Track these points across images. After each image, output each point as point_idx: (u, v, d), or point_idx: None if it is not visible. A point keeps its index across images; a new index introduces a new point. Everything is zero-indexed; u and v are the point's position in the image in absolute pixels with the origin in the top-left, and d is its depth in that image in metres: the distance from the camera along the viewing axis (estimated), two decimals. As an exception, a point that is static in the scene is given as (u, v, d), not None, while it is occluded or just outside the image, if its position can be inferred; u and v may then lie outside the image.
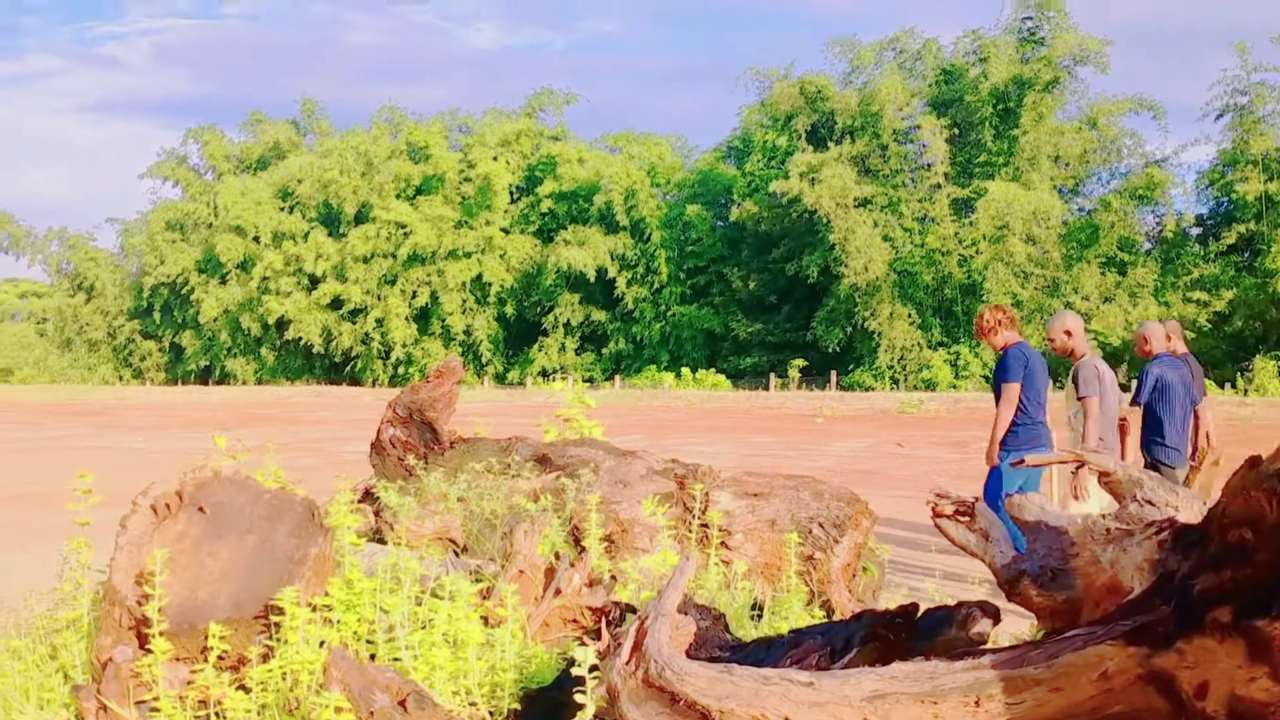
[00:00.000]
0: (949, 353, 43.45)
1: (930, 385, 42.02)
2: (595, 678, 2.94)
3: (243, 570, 4.11)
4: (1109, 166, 46.28)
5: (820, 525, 5.43)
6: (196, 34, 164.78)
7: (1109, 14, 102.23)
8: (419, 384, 6.87)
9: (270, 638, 3.98)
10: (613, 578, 4.54)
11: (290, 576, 4.07)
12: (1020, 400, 7.29)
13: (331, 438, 25.43)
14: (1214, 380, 38.59)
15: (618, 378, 48.25)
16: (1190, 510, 2.65)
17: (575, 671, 2.91)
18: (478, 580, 4.64)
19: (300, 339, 56.77)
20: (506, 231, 54.95)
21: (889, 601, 6.09)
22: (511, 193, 55.44)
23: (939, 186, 44.00)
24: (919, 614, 3.48)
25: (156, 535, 4.14)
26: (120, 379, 66.03)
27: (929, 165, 44.72)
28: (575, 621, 4.47)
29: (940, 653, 3.58)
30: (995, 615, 3.51)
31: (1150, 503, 2.70)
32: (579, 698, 2.89)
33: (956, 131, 44.50)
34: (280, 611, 3.92)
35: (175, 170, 64.71)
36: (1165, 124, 62.44)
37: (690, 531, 5.67)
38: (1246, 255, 41.81)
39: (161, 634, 3.82)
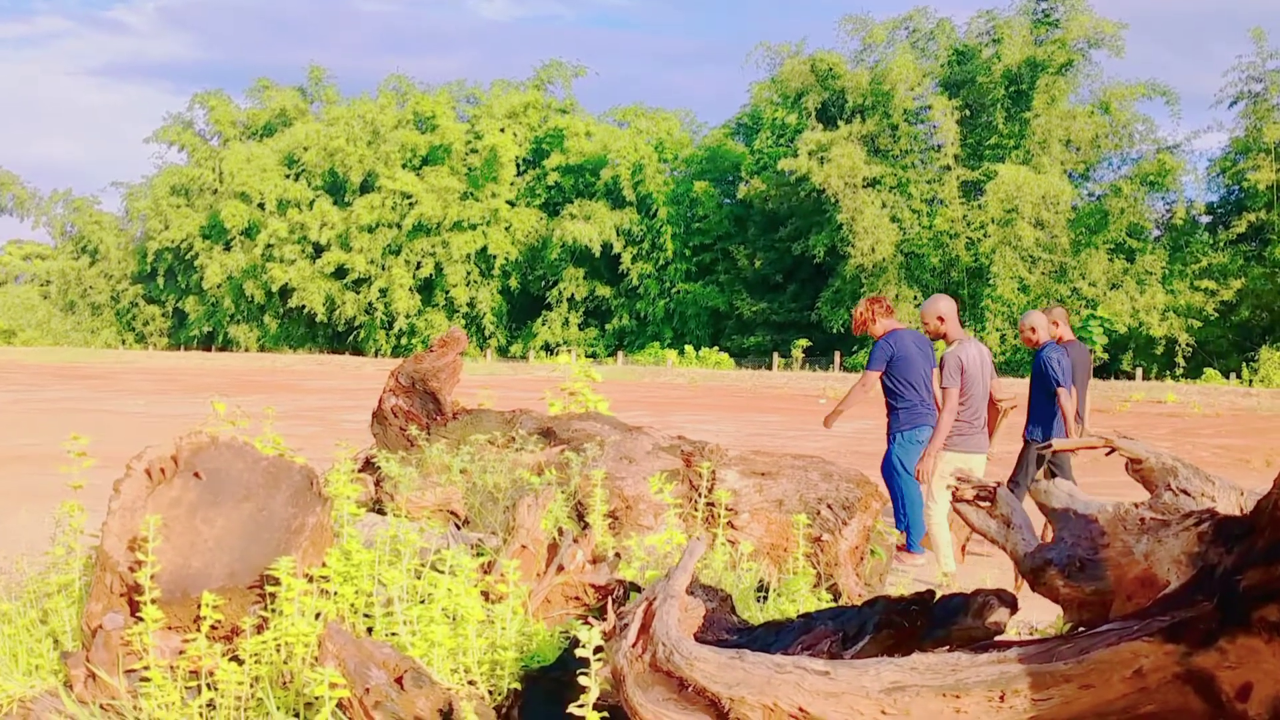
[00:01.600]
0: (954, 336, 43.27)
1: (934, 368, 41.86)
2: (600, 659, 2.83)
3: (238, 538, 4.00)
4: (1120, 152, 45.99)
5: (829, 507, 5.32)
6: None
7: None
8: (422, 353, 6.75)
9: (265, 608, 3.87)
10: (617, 555, 4.43)
11: (287, 546, 3.96)
12: (902, 383, 7.73)
13: (332, 406, 25.35)
14: (1219, 370, 38.44)
15: (620, 354, 48.13)
16: (1228, 501, 2.53)
17: (580, 652, 2.80)
18: (479, 554, 4.53)
19: (304, 307, 56.65)
20: (512, 204, 54.70)
21: (895, 586, 5.98)
22: (518, 165, 55.16)
23: (948, 168, 43.73)
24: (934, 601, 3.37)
25: (150, 500, 4.04)
26: (123, 343, 65.99)
27: (939, 146, 44.44)
28: (577, 599, 4.37)
29: (956, 641, 3.47)
30: (1013, 604, 3.40)
31: (1185, 492, 2.58)
32: (583, 680, 2.78)
33: (968, 113, 44.19)
34: (276, 582, 3.82)
35: (181, 135, 64.42)
36: (1178, 110, 62.12)
37: (696, 510, 5.56)
38: (1256, 244, 41.56)
39: (153, 602, 3.72)
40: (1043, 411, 8.64)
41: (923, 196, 44.55)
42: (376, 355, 55.04)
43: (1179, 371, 39.23)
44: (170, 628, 3.84)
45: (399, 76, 60.96)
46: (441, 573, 4.14)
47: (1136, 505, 2.61)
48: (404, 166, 55.24)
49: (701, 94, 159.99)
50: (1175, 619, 2.08)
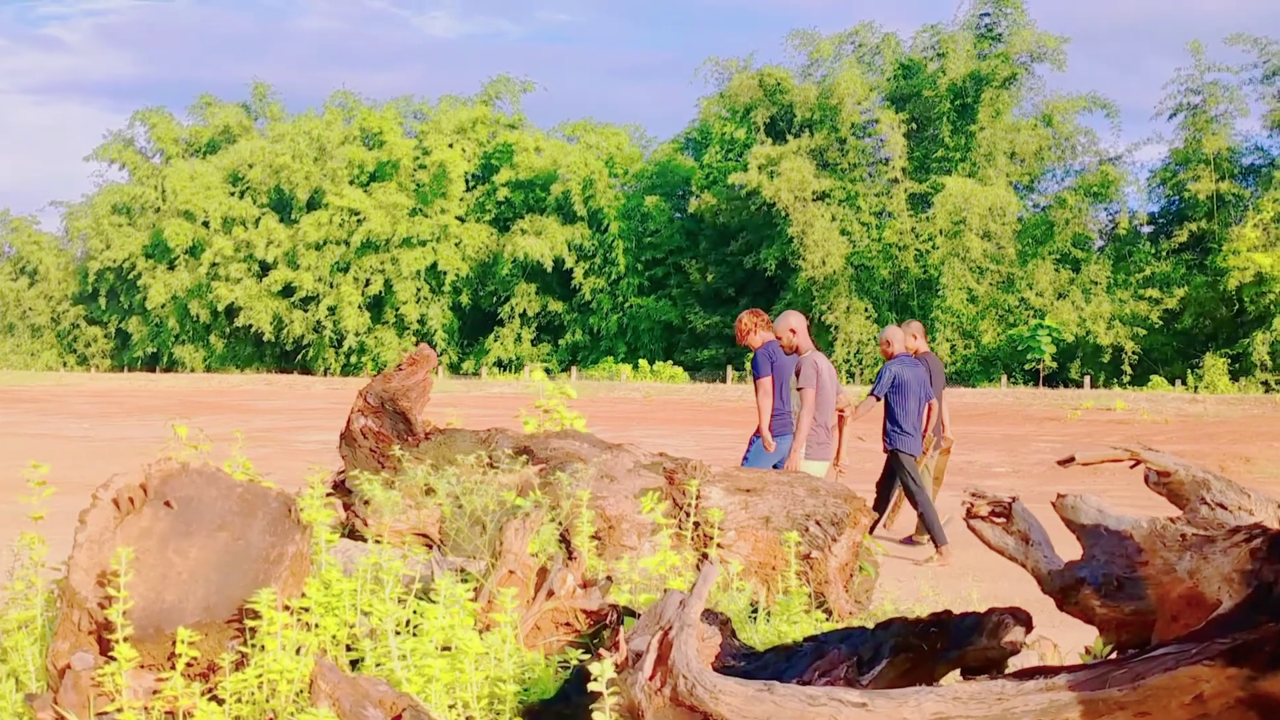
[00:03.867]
0: (905, 347, 43.55)
1: (886, 379, 42.07)
2: (613, 692, 2.69)
3: (214, 570, 3.81)
4: (1063, 164, 46.68)
5: (817, 523, 5.21)
6: (143, 16, 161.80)
7: (1064, 13, 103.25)
8: (390, 372, 6.57)
9: (244, 643, 3.68)
10: (608, 579, 4.29)
11: (266, 577, 3.78)
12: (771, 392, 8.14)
13: (285, 427, 24.94)
14: (1164, 377, 39.04)
15: (574, 369, 47.91)
16: (1266, 514, 2.45)
17: (593, 686, 2.66)
18: (464, 580, 4.37)
19: (250, 326, 55.80)
20: (462, 220, 54.33)
21: (884, 601, 5.89)
22: (467, 181, 54.81)
23: (896, 181, 44.09)
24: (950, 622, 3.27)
25: (119, 532, 3.83)
26: (64, 365, 64.60)
27: (887, 160, 44.80)
28: (568, 625, 4.22)
29: (971, 662, 3.37)
30: (1028, 623, 3.31)
31: (1221, 505, 2.50)
32: (597, 716, 2.64)
33: (914, 126, 44.60)
34: (255, 615, 3.63)
35: (122, 153, 63.32)
36: (1118, 123, 63.22)
37: (682, 529, 5.43)
38: (1197, 253, 42.30)
39: (126, 640, 3.52)
40: (889, 421, 9.25)
41: (871, 209, 44.86)
42: (326, 374, 54.35)
43: (1126, 379, 39.79)
44: (143, 666, 3.64)
45: (345, 93, 60.45)
46: (431, 602, 3.98)
47: (1173, 520, 2.52)
48: (351, 183, 54.66)
49: (650, 109, 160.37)
50: (1237, 641, 1.99)
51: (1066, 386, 39.67)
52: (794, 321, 8.26)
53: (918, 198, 44.13)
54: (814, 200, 43.57)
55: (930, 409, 9.61)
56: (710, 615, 3.80)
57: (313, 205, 55.40)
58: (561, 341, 51.49)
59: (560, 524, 4.86)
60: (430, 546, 5.77)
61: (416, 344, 46.74)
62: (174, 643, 3.60)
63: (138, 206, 61.58)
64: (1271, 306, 38.02)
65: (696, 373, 45.35)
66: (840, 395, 8.44)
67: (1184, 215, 43.01)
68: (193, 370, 58.30)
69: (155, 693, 3.60)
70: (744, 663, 3.38)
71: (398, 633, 3.99)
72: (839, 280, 43.40)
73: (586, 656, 3.66)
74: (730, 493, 5.46)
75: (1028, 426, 26.95)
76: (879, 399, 9.22)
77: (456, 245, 53.37)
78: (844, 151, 45.22)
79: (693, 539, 5.41)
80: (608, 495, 5.51)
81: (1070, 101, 45.09)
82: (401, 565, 4.13)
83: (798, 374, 8.07)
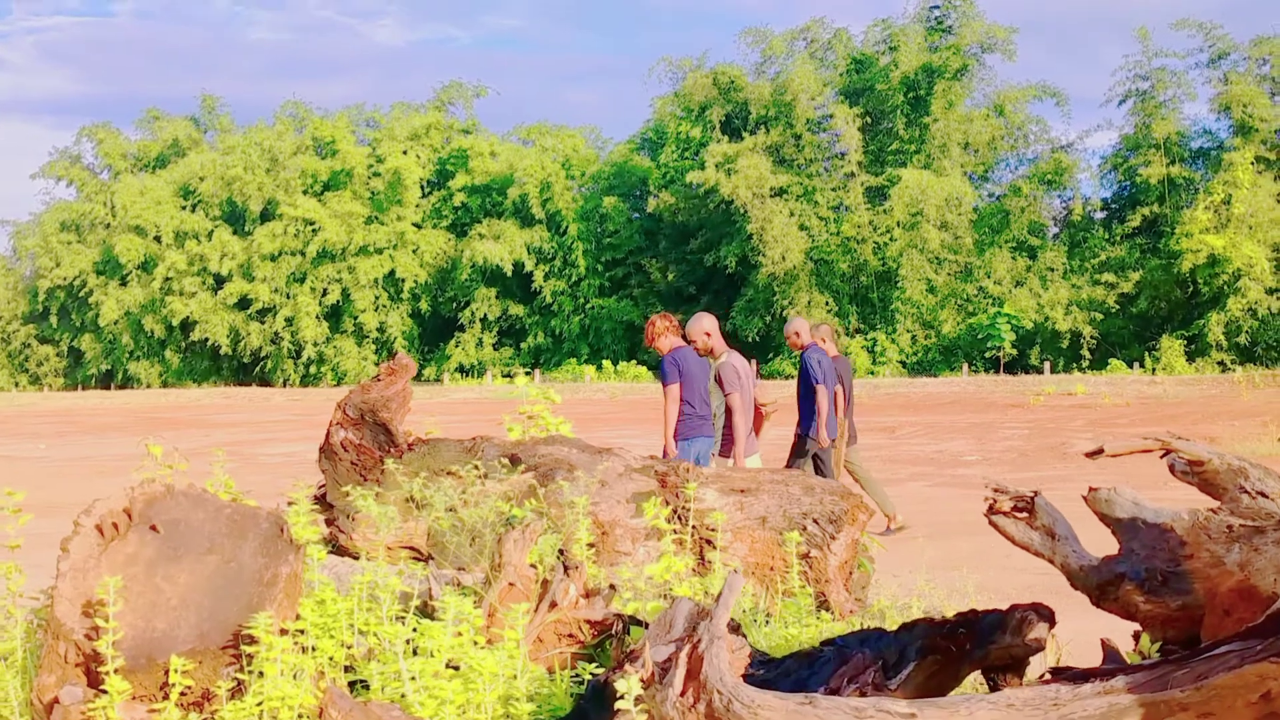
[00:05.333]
0: (866, 339, 43.78)
1: (849, 372, 42.21)
2: (642, 710, 2.58)
3: (205, 595, 3.66)
4: (1016, 153, 47.11)
5: (815, 522, 5.13)
6: (85, 32, 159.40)
7: (1011, 3, 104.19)
8: (369, 383, 6.42)
9: (240, 670, 3.54)
10: (611, 588, 4.18)
11: (261, 600, 3.63)
12: (684, 397, 8.17)
13: (246, 440, 24.58)
14: (1123, 360, 39.48)
15: (538, 371, 47.69)
16: (1310, 500, 2.39)
17: (621, 704, 2.55)
18: (463, 595, 4.24)
19: (207, 340, 55.05)
20: (419, 226, 53.91)
21: (881, 596, 5.82)
22: (423, 187, 54.37)
23: (853, 175, 44.27)
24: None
25: (104, 559, 3.67)
26: (16, 385, 63.43)
27: (842, 154, 44.99)
28: (571, 636, 4.10)
29: (995, 661, 3.28)
30: (1050, 619, 3.24)
31: (1262, 494, 2.43)
32: (626, 734, 2.53)
33: (869, 120, 44.80)
34: (251, 640, 3.49)
35: (69, 169, 62.22)
36: (1068, 111, 63.87)
37: (677, 533, 5.33)
38: (1150, 237, 42.80)
39: (117, 671, 3.36)
40: (808, 409, 9.50)
41: (829, 204, 45.01)
42: (285, 385, 53.74)
43: (1085, 363, 40.18)
44: (135, 697, 3.48)
45: (296, 102, 59.76)
46: (431, 619, 3.85)
47: (1214, 511, 2.45)
48: (305, 193, 54.04)
49: (601, 112, 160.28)
50: (1304, 634, 1.92)
51: (1027, 373, 40.03)
52: (707, 324, 8.38)
53: (874, 190, 44.33)
54: (772, 196, 43.64)
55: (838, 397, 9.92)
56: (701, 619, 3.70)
57: (266, 216, 54.74)
58: (524, 345, 51.25)
59: (558, 533, 4.75)
60: (420, 560, 5.63)
61: (377, 352, 46.29)
62: (166, 672, 3.45)
63: (87, 223, 60.56)
64: (1225, 287, 38.54)
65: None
66: (759, 394, 8.61)
67: (1136, 200, 43.52)
68: (148, 386, 57.43)
69: (149, 726, 3.45)
70: (763, 671, 3.29)
71: (405, 652, 3.87)
72: (799, 275, 43.50)
73: (597, 669, 3.55)
74: (725, 494, 5.37)
75: (992, 414, 27.11)
76: (828, 387, 9.42)
77: (414, 252, 52.95)
78: (800, 147, 45.34)
79: (690, 543, 5.31)
80: (600, 501, 5.40)
81: (1021, 91, 45.50)
82: (399, 582, 4.01)
83: (718, 379, 8.17)
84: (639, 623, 4.07)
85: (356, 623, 3.88)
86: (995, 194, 46.91)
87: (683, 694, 2.48)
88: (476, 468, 5.43)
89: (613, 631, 4.05)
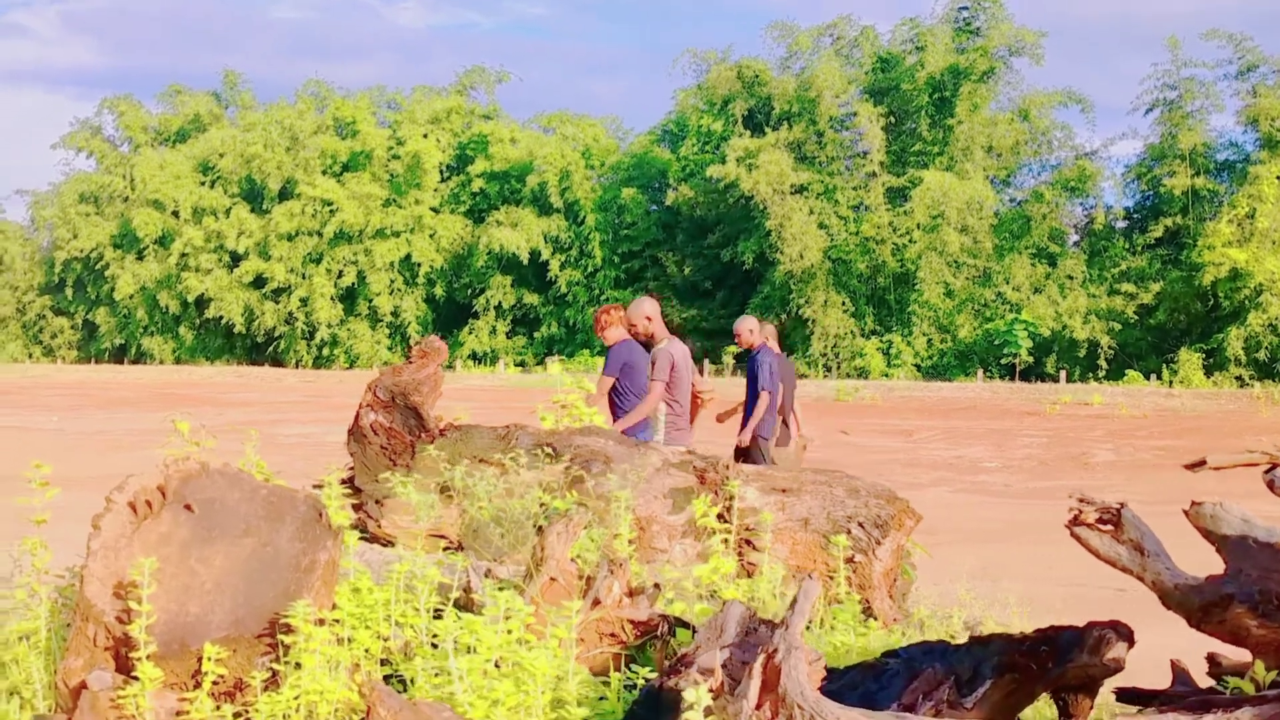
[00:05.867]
0: (881, 341, 43.53)
1: (863, 373, 42.06)
2: (711, 722, 2.43)
3: (240, 579, 3.52)
4: (1040, 158, 46.80)
5: (860, 525, 4.98)
6: (110, 3, 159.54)
7: (1033, 9, 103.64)
8: (400, 365, 6.28)
9: (275, 660, 3.40)
10: (656, 586, 4.04)
11: (298, 587, 3.49)
12: (629, 390, 8.03)
13: (261, 420, 24.48)
14: (1140, 372, 39.18)
15: (555, 359, 47.55)
16: None
17: (689, 715, 2.40)
18: (500, 588, 4.10)
19: (221, 318, 55.02)
20: (436, 211, 53.77)
21: (920, 605, 5.66)
22: (442, 171, 54.23)
23: (874, 174, 44.00)
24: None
25: (136, 538, 3.54)
26: (29, 356, 63.53)
27: (865, 153, 44.69)
28: (613, 636, 3.96)
29: (1072, 680, 3.13)
30: (1129, 638, 3.08)
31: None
32: (694, 748, 2.38)
33: (892, 120, 44.50)
34: (288, 629, 3.35)
35: (89, 141, 62.24)
36: (1093, 118, 63.44)
37: (718, 533, 5.17)
38: (1172, 249, 42.47)
39: (148, 658, 3.23)
40: (752, 404, 9.57)
41: (849, 203, 44.74)
42: (297, 366, 53.69)
43: (1101, 374, 39.89)
44: (166, 685, 3.35)
45: (318, 81, 59.62)
46: (470, 612, 3.71)
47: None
48: (324, 173, 53.95)
49: (621, 102, 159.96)
50: None
51: (1042, 381, 39.74)
52: (648, 308, 8.28)
53: (895, 191, 44.04)
54: (792, 193, 43.40)
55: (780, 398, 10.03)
56: (773, 627, 3.56)
57: (285, 195, 54.67)
58: (537, 334, 51.10)
59: (599, 527, 4.60)
60: (452, 548, 5.49)
61: (390, 336, 46.12)
62: (199, 659, 3.31)
63: (105, 195, 60.58)
64: (1246, 302, 38.20)
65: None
66: (698, 381, 8.47)
67: (1159, 210, 43.17)
68: (161, 362, 57.45)
69: (179, 714, 3.32)
70: (825, 682, 3.14)
71: (435, 646, 3.73)
72: (817, 274, 43.25)
73: (648, 673, 3.40)
74: (765, 493, 5.22)
75: (1008, 421, 26.91)
76: (774, 393, 9.49)
77: (431, 237, 52.82)
78: (822, 144, 45.08)
79: (725, 541, 5.16)
80: (636, 495, 5.25)
81: (1046, 96, 45.18)
82: (437, 573, 3.86)
83: (652, 365, 8.10)
84: (685, 625, 3.92)
85: (394, 614, 3.74)
86: (1016, 199, 46.60)
87: (758, 707, 2.33)
88: (515, 458, 5.28)
89: (658, 633, 3.91)
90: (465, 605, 3.93)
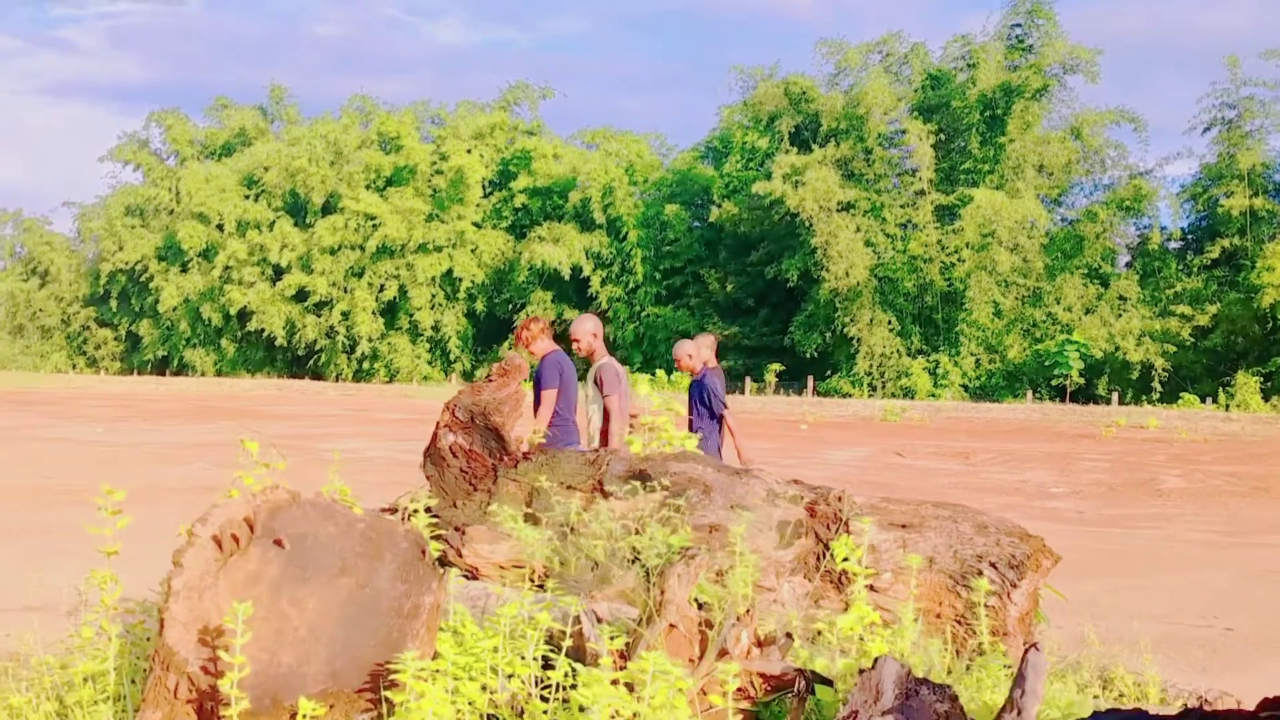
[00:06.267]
0: (928, 361, 42.86)
1: (909, 393, 41.40)
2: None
3: (338, 625, 3.14)
4: (1092, 177, 46.03)
5: (993, 565, 4.54)
6: (155, 19, 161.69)
7: (1075, 29, 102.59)
8: (480, 384, 5.91)
9: (377, 717, 3.02)
10: (788, 636, 3.62)
11: (401, 635, 3.11)
12: (562, 404, 7.96)
13: (305, 434, 24.27)
14: (1195, 395, 38.30)
15: (644, 377, 47.15)
16: None
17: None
18: (612, 638, 3.70)
19: (263, 331, 55.20)
20: (479, 226, 53.72)
21: (1047, 646, 5.19)
22: (484, 187, 54.21)
23: (923, 193, 43.40)
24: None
25: (223, 577, 3.17)
26: (73, 367, 64.06)
27: (914, 171, 44.13)
28: (741, 691, 3.55)
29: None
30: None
31: None
32: None
33: (942, 137, 43.91)
34: (392, 683, 2.97)
35: (136, 154, 62.82)
36: (1146, 137, 62.62)
37: (818, 570, 4.76)
38: (1229, 270, 41.55)
39: (241, 715, 2.86)
40: (710, 432, 9.18)
41: (897, 221, 44.18)
42: (338, 380, 53.72)
43: (1155, 396, 39.03)
44: (256, 744, 2.97)
45: (362, 96, 59.86)
46: (581, 660, 3.32)
47: None
48: (367, 187, 54.08)
49: (660, 119, 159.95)
50: None
51: (1095, 403, 38.96)
52: (593, 325, 8.31)
53: (944, 209, 43.43)
54: (839, 211, 42.90)
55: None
56: (937, 689, 3.13)
57: (328, 209, 54.83)
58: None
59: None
60: (535, 583, 5.10)
61: (430, 351, 46.01)
62: (292, 716, 2.94)
63: (151, 208, 61.07)
64: (1307, 325, 37.30)
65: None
66: (635, 402, 8.44)
67: (1216, 231, 42.28)
68: (203, 374, 57.70)
69: (270, 778, 2.94)
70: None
71: (545, 699, 3.34)
72: (863, 292, 42.69)
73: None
74: (884, 528, 4.80)
75: (1063, 444, 26.23)
76: (728, 410, 9.28)
77: (473, 252, 52.75)
78: (870, 162, 44.57)
79: (838, 582, 4.74)
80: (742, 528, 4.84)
81: (1099, 114, 44.46)
82: (548, 617, 3.47)
83: (597, 381, 8.08)
84: (824, 680, 3.50)
85: (501, 665, 3.35)
86: (1068, 218, 45.85)
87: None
88: (607, 485, 4.89)
89: (793, 689, 3.49)
90: (577, 653, 3.54)
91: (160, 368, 60.92)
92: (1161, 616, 7.82)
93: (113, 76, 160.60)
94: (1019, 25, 43.98)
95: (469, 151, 53.72)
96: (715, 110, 65.09)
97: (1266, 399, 37.45)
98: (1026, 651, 2.56)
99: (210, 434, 24.67)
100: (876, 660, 3.09)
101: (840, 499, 4.96)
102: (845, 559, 3.82)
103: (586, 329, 8.25)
